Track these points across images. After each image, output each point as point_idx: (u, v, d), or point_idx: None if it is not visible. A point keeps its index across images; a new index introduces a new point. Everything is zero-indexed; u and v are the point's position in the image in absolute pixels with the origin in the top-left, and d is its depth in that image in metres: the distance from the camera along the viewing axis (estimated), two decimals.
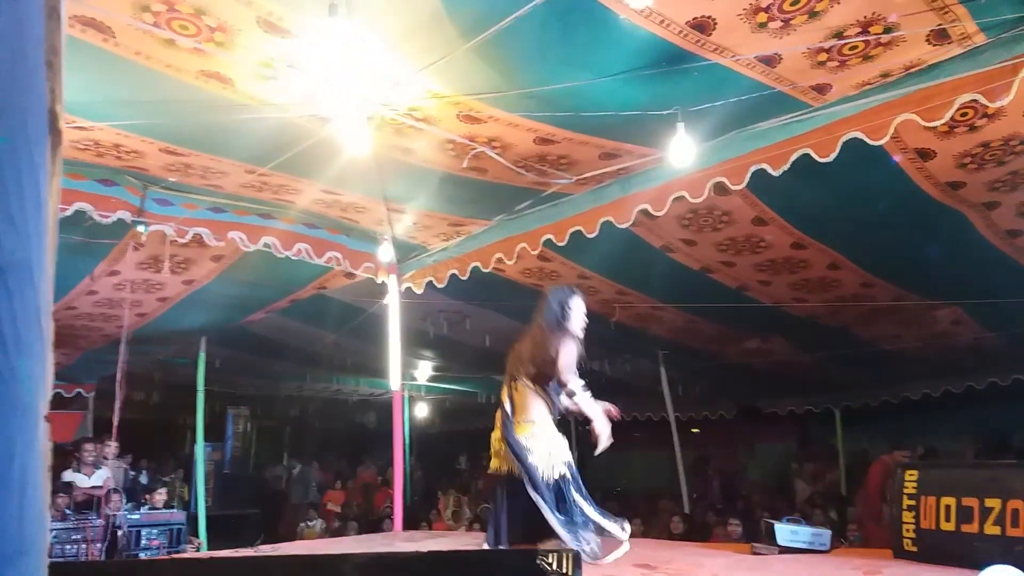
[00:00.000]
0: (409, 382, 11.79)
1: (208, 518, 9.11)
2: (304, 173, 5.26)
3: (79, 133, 4.51)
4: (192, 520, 8.94)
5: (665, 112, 4.32)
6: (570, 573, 1.42)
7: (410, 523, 8.95)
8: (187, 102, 4.14)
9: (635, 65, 3.91)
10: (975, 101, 3.85)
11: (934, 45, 3.77)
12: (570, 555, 1.46)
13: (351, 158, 4.76)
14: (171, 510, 8.59)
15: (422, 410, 14.82)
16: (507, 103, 4.25)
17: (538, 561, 1.44)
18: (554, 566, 1.43)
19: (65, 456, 9.71)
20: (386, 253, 6.70)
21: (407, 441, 11.90)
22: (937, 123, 4.01)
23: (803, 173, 4.58)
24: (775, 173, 4.57)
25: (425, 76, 3.96)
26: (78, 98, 4.08)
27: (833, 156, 4.32)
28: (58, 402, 11.46)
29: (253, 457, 15.08)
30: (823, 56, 3.84)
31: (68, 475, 8.98)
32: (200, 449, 9.51)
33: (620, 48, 3.81)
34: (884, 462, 8.54)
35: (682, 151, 4.49)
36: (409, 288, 7.07)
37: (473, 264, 6.44)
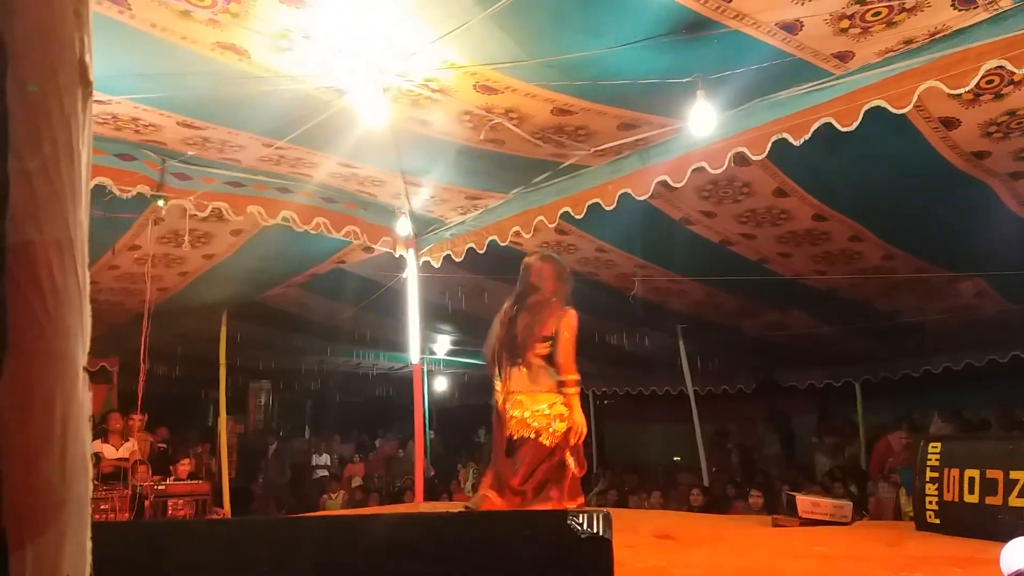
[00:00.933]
0: (428, 356, 11.85)
1: (231, 490, 9.25)
2: (321, 146, 5.26)
3: (97, 107, 4.52)
4: (216, 491, 9.08)
5: (684, 80, 4.26)
6: (602, 533, 1.43)
7: (430, 495, 9.05)
8: (204, 74, 4.14)
9: (654, 33, 3.86)
10: (1001, 68, 3.77)
11: (959, 10, 3.68)
12: (601, 516, 1.47)
13: (368, 131, 4.75)
14: (196, 481, 8.74)
15: (441, 384, 14.91)
16: (524, 73, 4.22)
17: (569, 521, 1.45)
18: (585, 526, 1.44)
19: (93, 428, 9.87)
20: (404, 227, 6.70)
21: (427, 414, 12.00)
22: (962, 91, 3.92)
23: (825, 143, 4.52)
24: (796, 143, 4.51)
25: (441, 46, 3.93)
26: (95, 71, 4.09)
27: (855, 125, 4.25)
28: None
29: (276, 430, 15.27)
30: (845, 23, 3.77)
31: (96, 446, 9.15)
32: (223, 422, 9.63)
33: (639, 15, 3.76)
34: (887, 441, 8.52)
35: (702, 120, 4.44)
36: (427, 262, 7.08)
37: (491, 238, 6.43)
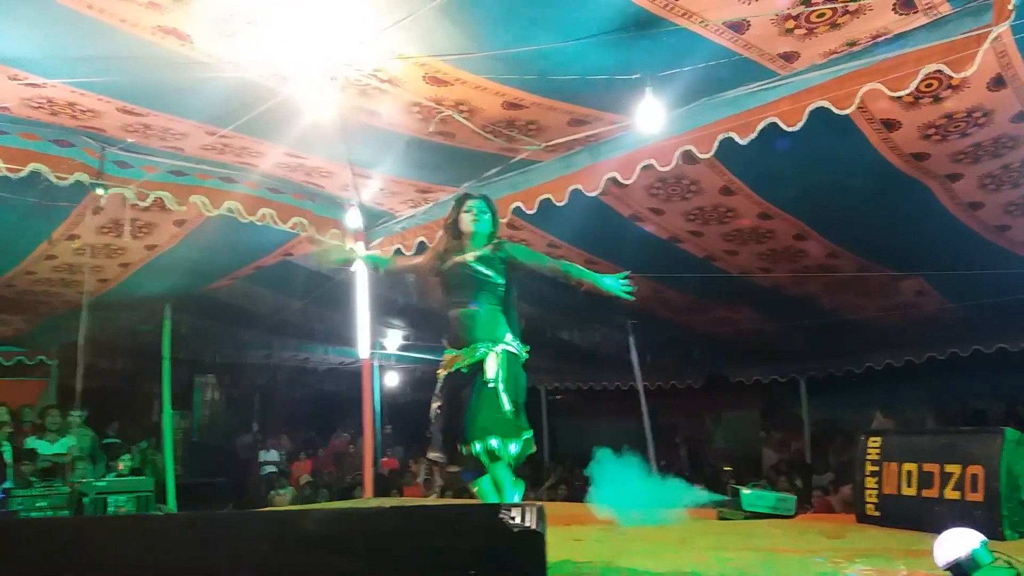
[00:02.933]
0: (379, 351, 11.74)
1: (177, 486, 9.06)
2: (266, 135, 5.16)
3: (31, 90, 4.38)
4: (161, 488, 8.88)
5: (633, 77, 4.28)
6: (535, 527, 1.42)
7: (381, 491, 8.97)
8: (144, 59, 4.03)
9: (605, 28, 3.87)
10: (940, 72, 3.86)
11: (900, 14, 3.76)
12: (534, 509, 1.45)
13: (314, 120, 4.67)
14: (138, 477, 8.54)
15: (392, 379, 14.79)
16: (475, 65, 4.20)
17: (502, 515, 1.43)
18: (517, 520, 1.42)
19: (29, 423, 9.59)
20: (353, 219, 6.62)
21: (378, 410, 11.89)
22: (902, 93, 4.02)
23: (770, 142, 4.58)
24: (742, 142, 4.58)
25: (390, 36, 3.89)
26: (29, 53, 3.96)
27: (800, 125, 4.32)
28: (20, 369, 11.27)
29: (222, 425, 14.98)
30: (791, 23, 3.82)
31: (32, 442, 8.88)
32: (167, 417, 9.42)
33: (589, 10, 3.77)
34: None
35: (650, 118, 4.47)
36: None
37: (441, 231, 6.38)
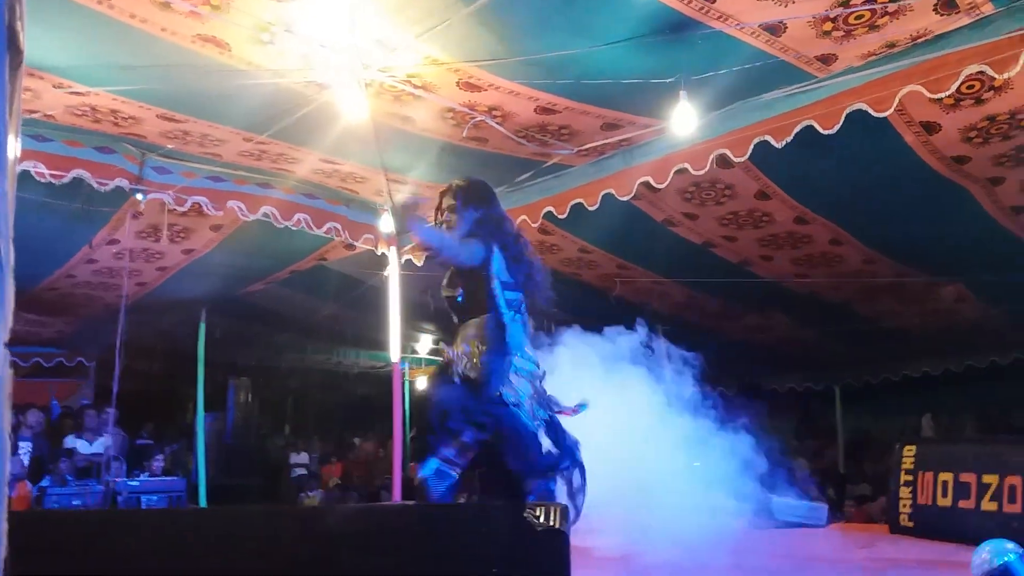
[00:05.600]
0: (409, 355, 11.79)
1: (210, 487, 9.16)
2: (302, 141, 5.21)
3: (75, 98, 4.47)
4: (193, 489, 8.99)
5: (667, 80, 4.26)
6: (558, 526, 1.41)
7: (409, 495, 9.00)
8: (184, 67, 4.10)
9: (638, 32, 3.86)
10: (982, 73, 3.80)
11: (941, 15, 3.70)
12: (557, 509, 1.45)
13: (349, 126, 4.71)
14: (171, 478, 8.66)
15: (423, 383, 14.84)
16: (508, 71, 4.20)
17: (526, 514, 1.43)
18: (542, 519, 1.42)
19: (68, 422, 9.78)
20: (386, 224, 6.65)
21: (407, 414, 11.93)
22: (943, 95, 3.95)
23: (806, 146, 4.54)
24: (778, 145, 4.53)
25: (424, 42, 3.91)
26: (74, 62, 4.04)
27: (837, 128, 4.27)
28: (60, 370, 11.50)
29: (255, 428, 15.12)
30: (828, 25, 3.78)
31: (70, 441, 9.06)
32: (201, 419, 9.54)
33: (623, 15, 3.76)
34: None
35: (684, 121, 4.45)
36: (409, 260, 7.03)
37: None
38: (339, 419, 16.07)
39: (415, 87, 4.39)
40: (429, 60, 4.10)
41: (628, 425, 4.66)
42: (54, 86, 4.27)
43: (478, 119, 4.73)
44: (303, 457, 14.01)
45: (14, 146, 0.80)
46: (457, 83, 4.34)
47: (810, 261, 6.99)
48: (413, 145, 5.24)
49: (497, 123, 4.80)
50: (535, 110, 4.67)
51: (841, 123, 4.24)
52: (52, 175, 4.97)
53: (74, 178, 5.07)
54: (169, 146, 5.31)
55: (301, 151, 5.41)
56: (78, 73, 4.16)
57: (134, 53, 3.97)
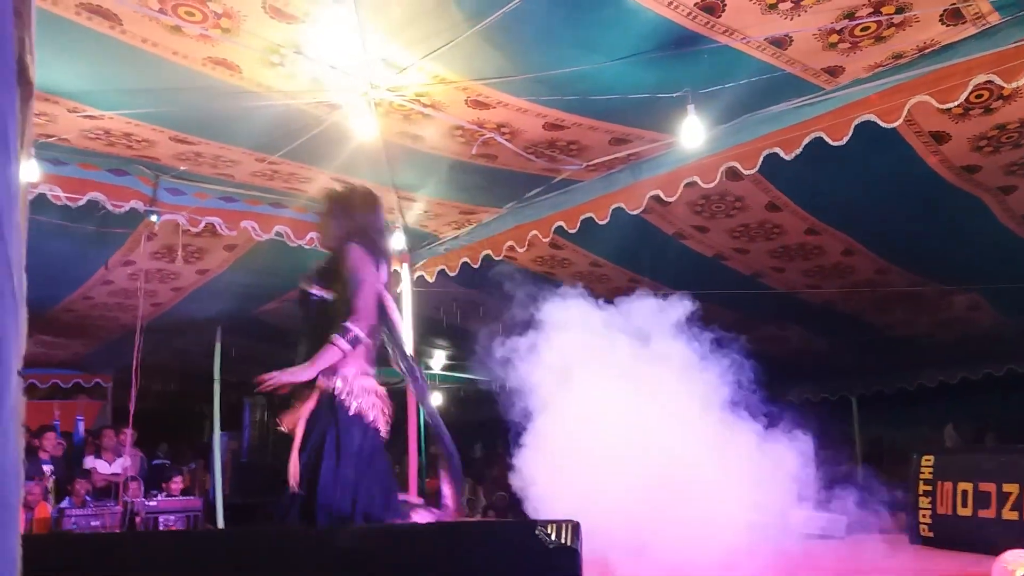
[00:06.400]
0: (424, 371, 11.80)
1: (226, 506, 9.18)
2: (314, 161, 5.26)
3: (90, 122, 4.53)
4: (211, 508, 9.02)
5: (675, 95, 4.28)
6: (570, 543, 1.41)
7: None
8: (195, 90, 4.15)
9: (644, 48, 3.88)
10: (990, 82, 3.79)
11: (948, 25, 3.71)
12: (569, 526, 1.45)
13: (360, 145, 4.76)
14: (188, 497, 8.68)
15: (436, 399, 14.85)
16: (515, 88, 4.23)
17: (537, 532, 1.43)
18: (553, 537, 1.42)
19: (87, 442, 9.83)
20: (398, 242, 6.69)
21: (422, 430, 11.93)
22: (951, 105, 3.95)
23: (816, 157, 4.54)
24: (787, 157, 4.54)
25: (432, 61, 3.95)
26: (87, 86, 4.11)
27: (846, 139, 4.27)
28: (78, 391, 11.59)
29: (271, 446, 15.15)
30: (835, 38, 3.79)
31: (89, 461, 9.11)
32: (217, 438, 9.58)
33: (629, 30, 3.78)
34: None
35: (693, 135, 4.46)
36: (421, 277, 7.07)
37: (485, 252, 6.43)
38: None
39: (424, 106, 4.43)
40: (437, 79, 4.14)
41: (648, 435, 4.63)
42: (69, 110, 4.33)
43: (487, 136, 4.76)
44: None
45: (26, 177, 0.82)
46: (466, 101, 4.38)
47: (822, 272, 6.97)
48: (423, 163, 5.28)
49: (506, 140, 4.83)
50: (544, 126, 4.70)
51: (850, 134, 4.24)
52: (68, 198, 5.04)
53: (89, 200, 5.13)
54: (182, 167, 5.37)
55: (312, 170, 5.45)
56: (92, 97, 4.23)
57: (146, 77, 4.03)
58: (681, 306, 5.13)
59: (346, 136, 4.64)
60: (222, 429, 9.85)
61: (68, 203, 5.08)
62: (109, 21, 3.51)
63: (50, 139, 4.69)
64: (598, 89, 4.24)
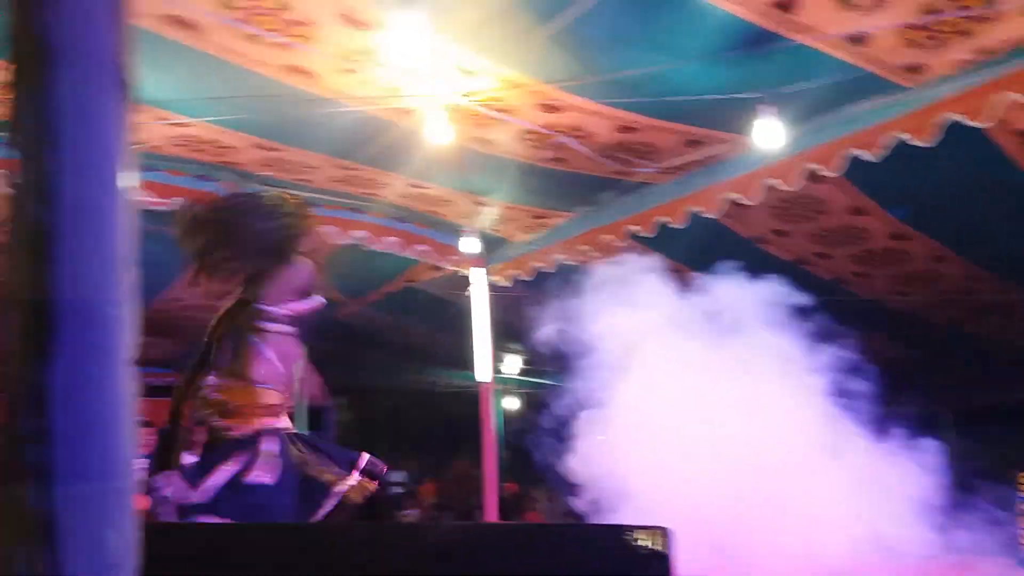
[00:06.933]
0: (498, 375, 11.87)
1: None
2: (389, 166, 5.36)
3: (176, 130, 4.74)
4: None
5: (750, 96, 4.20)
6: (662, 549, 1.38)
7: (503, 515, 9.01)
8: (276, 97, 4.29)
9: (717, 47, 3.83)
10: None
11: None
12: (660, 532, 1.42)
13: (433, 150, 4.82)
14: None
15: (512, 403, 14.90)
16: (587, 90, 4.23)
17: (625, 537, 1.41)
18: (642, 542, 1.39)
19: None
20: (471, 246, 6.75)
21: (500, 434, 11.99)
22: None
23: (901, 158, 4.37)
24: (870, 159, 4.39)
25: (503, 66, 3.98)
26: (173, 95, 4.30)
27: (932, 140, 4.10)
28: (170, 390, 12.07)
29: (353, 447, 15.49)
30: (916, 34, 3.65)
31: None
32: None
33: (701, 30, 3.74)
34: None
35: (769, 136, 4.37)
36: (496, 281, 7.11)
37: (558, 256, 6.42)
38: (433, 438, 16.30)
39: (495, 110, 4.46)
40: (509, 83, 4.17)
41: (746, 439, 4.47)
42: (157, 119, 4.54)
43: (559, 140, 4.76)
44: (400, 476, 14.29)
45: (131, 175, 0.88)
46: (537, 105, 4.40)
47: (909, 279, 6.70)
48: (495, 167, 5.32)
49: (578, 143, 4.82)
50: (616, 129, 4.68)
51: (935, 134, 4.07)
52: (157, 203, 5.27)
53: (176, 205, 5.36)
54: (264, 173, 5.55)
55: (389, 176, 5.56)
56: (179, 106, 4.42)
57: (228, 85, 4.19)
58: (776, 304, 4.91)
59: (420, 141, 4.72)
60: (310, 429, 10.10)
61: (157, 208, 5.32)
62: (191, 31, 3.66)
63: (140, 146, 4.93)
64: (671, 90, 4.20)
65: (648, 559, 1.43)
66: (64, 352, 0.78)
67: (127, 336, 0.84)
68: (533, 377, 12.52)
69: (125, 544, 0.81)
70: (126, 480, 0.82)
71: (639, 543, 1.40)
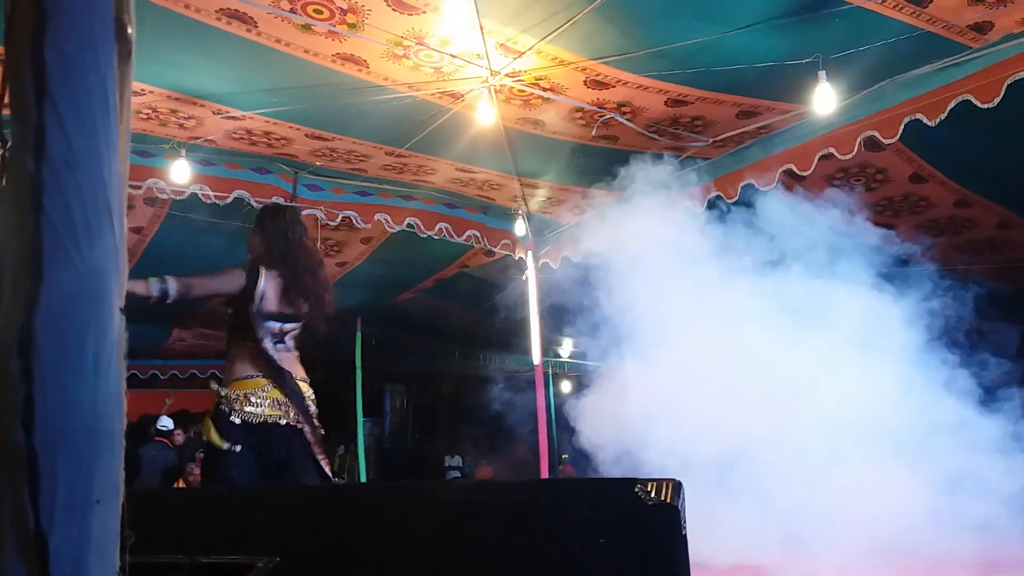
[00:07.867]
0: (552, 358, 11.88)
1: None
2: (439, 152, 5.38)
3: (232, 123, 4.82)
4: None
5: (805, 62, 4.10)
6: (670, 501, 1.39)
7: None
8: (327, 86, 4.34)
9: (770, 14, 3.73)
10: None
11: None
12: (670, 484, 1.42)
13: (482, 134, 4.83)
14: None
15: (566, 386, 14.92)
16: (635, 65, 4.17)
17: (636, 490, 1.42)
18: (652, 494, 1.40)
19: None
20: (521, 229, 6.76)
21: (553, 417, 12.02)
22: None
23: (964, 122, 4.23)
24: (932, 124, 4.26)
25: (549, 44, 3.95)
26: (229, 88, 4.37)
27: (997, 101, 3.96)
28: None
29: (410, 432, 15.71)
30: None
31: None
32: (360, 424, 10.01)
33: None
34: None
35: (825, 104, 4.26)
36: (546, 264, 7.10)
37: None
38: (489, 422, 16.41)
39: (543, 89, 4.44)
40: (556, 60, 4.14)
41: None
42: (213, 112, 4.63)
43: (607, 116, 4.72)
44: (456, 460, 14.45)
45: (125, 128, 0.89)
46: (584, 82, 4.36)
47: (975, 247, 6.49)
48: (544, 148, 5.30)
49: (627, 119, 4.77)
50: (666, 103, 4.62)
51: (1002, 95, 3.93)
52: (216, 196, 5.39)
53: (235, 198, 5.47)
54: (318, 163, 5.63)
55: (439, 161, 5.59)
56: (233, 99, 4.50)
57: (281, 76, 4.24)
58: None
59: (469, 125, 4.72)
60: (365, 416, 10.27)
61: (216, 201, 5.44)
62: (246, 24, 3.72)
63: (198, 140, 5.03)
64: (722, 60, 4.12)
65: (656, 509, 1.44)
66: (51, 299, 0.79)
67: (116, 286, 0.84)
68: (586, 360, 12.51)
69: (111, 484, 0.81)
70: (113, 421, 0.83)
71: (649, 494, 1.41)
